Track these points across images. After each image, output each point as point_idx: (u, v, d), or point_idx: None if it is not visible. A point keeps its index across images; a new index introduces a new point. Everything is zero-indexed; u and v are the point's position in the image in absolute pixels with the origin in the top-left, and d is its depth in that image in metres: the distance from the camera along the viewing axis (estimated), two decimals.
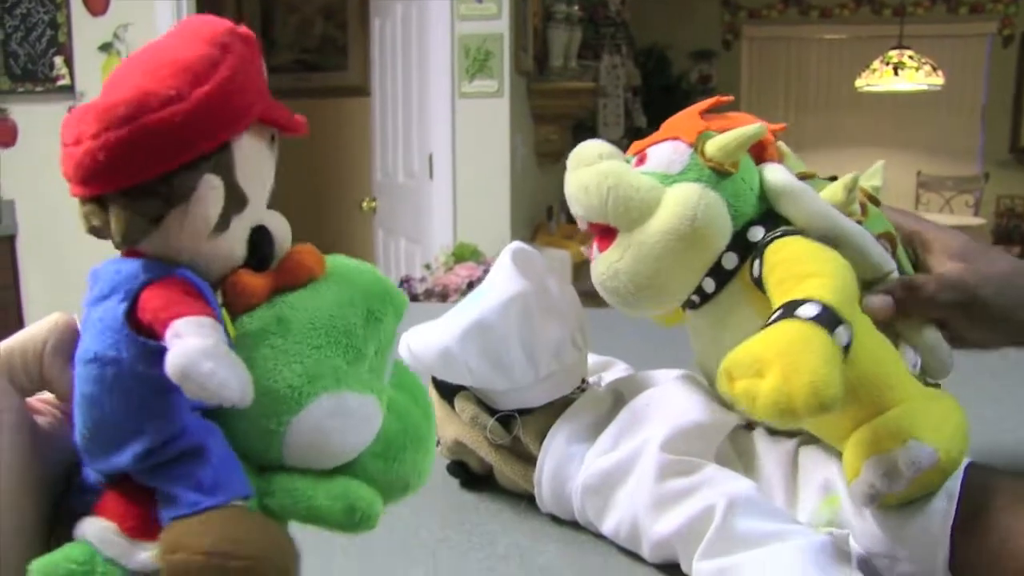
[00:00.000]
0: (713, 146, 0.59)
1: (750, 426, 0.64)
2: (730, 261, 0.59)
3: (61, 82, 3.39)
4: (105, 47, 3.33)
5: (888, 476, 0.50)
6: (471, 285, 2.78)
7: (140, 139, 0.33)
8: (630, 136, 5.57)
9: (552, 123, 3.99)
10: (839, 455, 0.57)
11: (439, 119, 3.38)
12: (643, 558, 0.60)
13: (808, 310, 0.48)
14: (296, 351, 0.36)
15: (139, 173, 0.34)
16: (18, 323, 3.52)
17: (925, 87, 5.51)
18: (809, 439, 0.62)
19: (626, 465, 0.60)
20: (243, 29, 0.38)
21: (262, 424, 0.35)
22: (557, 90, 3.85)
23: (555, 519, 0.65)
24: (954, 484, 0.53)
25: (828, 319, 0.47)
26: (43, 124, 3.41)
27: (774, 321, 0.49)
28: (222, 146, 0.36)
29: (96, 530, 0.34)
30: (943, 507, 0.53)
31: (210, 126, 0.35)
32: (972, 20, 6.67)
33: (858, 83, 5.69)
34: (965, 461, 0.54)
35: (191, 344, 0.31)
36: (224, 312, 0.37)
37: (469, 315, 0.62)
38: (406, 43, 3.56)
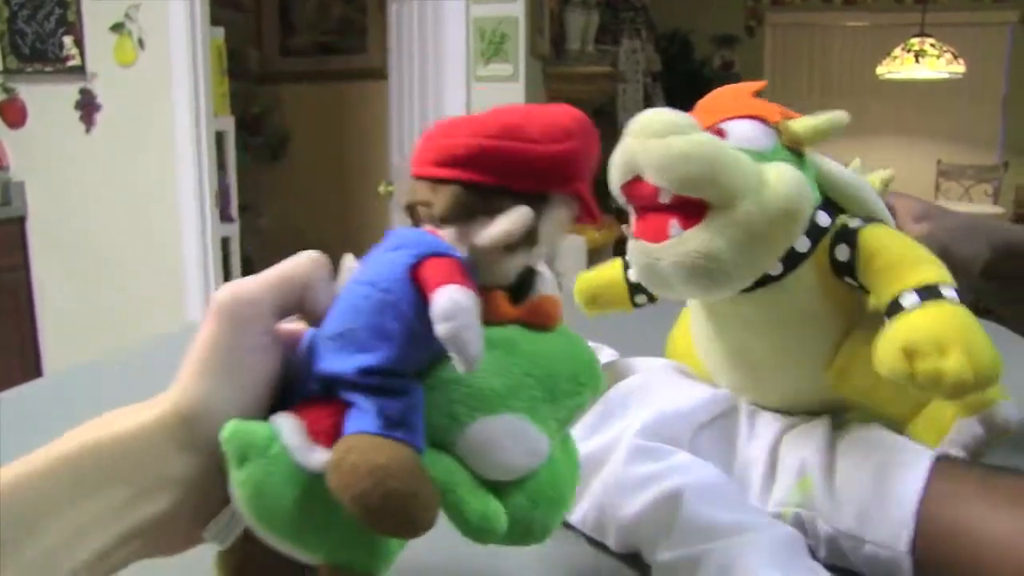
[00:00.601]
0: (804, 127, 0.58)
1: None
2: (803, 245, 0.58)
3: (71, 62, 3.39)
4: (116, 27, 3.34)
5: (990, 429, 0.60)
6: None
7: (501, 154, 0.42)
8: None
9: None
10: (819, 438, 0.59)
11: (454, 103, 3.39)
12: (609, 549, 0.60)
13: (950, 293, 0.53)
14: (511, 371, 0.42)
15: (483, 175, 0.42)
16: (29, 305, 3.54)
17: (946, 75, 5.47)
18: (792, 425, 0.62)
19: (600, 455, 0.61)
20: (587, 120, 0.45)
21: (455, 409, 0.41)
22: (574, 74, 3.84)
23: None
24: (921, 468, 0.55)
25: (963, 300, 0.53)
26: (53, 105, 3.42)
27: (921, 303, 0.52)
28: (543, 194, 0.43)
29: (287, 423, 0.40)
30: (910, 490, 0.54)
31: (552, 176, 0.43)
32: (994, 9, 6.60)
33: (879, 70, 5.65)
34: (934, 452, 0.57)
35: (465, 302, 0.37)
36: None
37: None
38: (422, 26, 3.55)
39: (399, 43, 3.78)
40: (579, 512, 0.61)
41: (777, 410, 0.65)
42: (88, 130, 3.43)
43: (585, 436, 0.63)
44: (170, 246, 3.45)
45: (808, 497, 0.57)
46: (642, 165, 0.55)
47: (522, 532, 0.43)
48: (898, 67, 5.46)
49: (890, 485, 0.55)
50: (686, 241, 0.55)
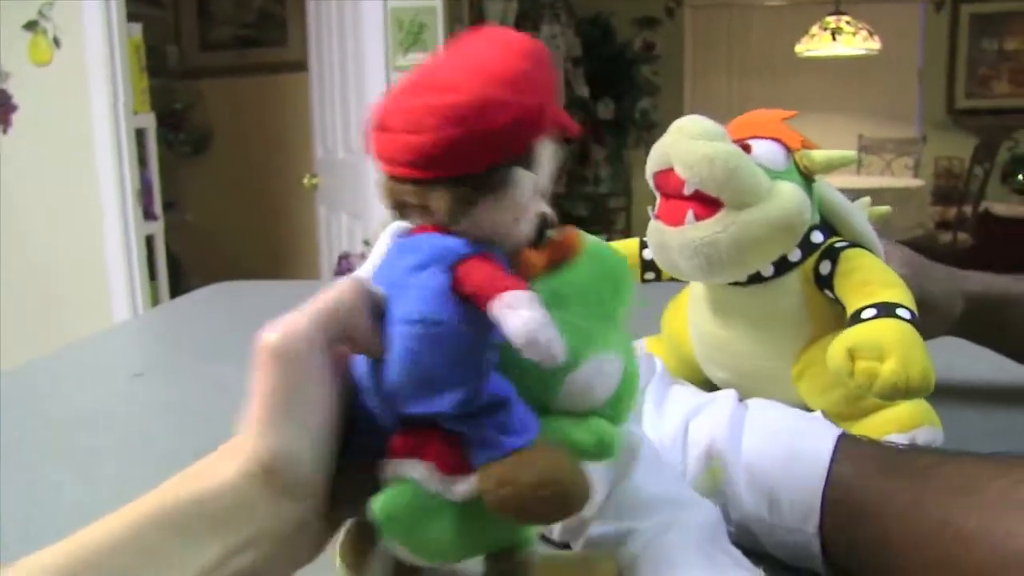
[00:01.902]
0: (818, 157, 0.68)
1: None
2: (795, 255, 0.68)
3: None
4: (30, 25, 3.27)
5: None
6: None
7: (475, 139, 0.39)
8: (573, 107, 5.59)
9: None
10: (725, 420, 0.60)
11: (375, 93, 3.37)
12: None
13: (905, 313, 0.60)
14: (571, 322, 0.43)
15: (467, 167, 0.40)
16: None
17: (863, 52, 5.59)
18: (698, 405, 0.63)
19: None
20: (540, 44, 0.44)
21: (546, 378, 0.42)
22: None
23: None
24: (825, 451, 0.56)
25: (916, 323, 0.60)
26: None
27: (876, 316, 0.61)
28: (532, 146, 0.42)
29: (419, 471, 0.40)
30: (817, 473, 0.55)
31: (528, 131, 0.41)
32: None
33: (798, 48, 5.75)
34: (837, 431, 0.58)
35: (530, 316, 0.37)
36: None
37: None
38: (341, 17, 3.53)
39: (318, 34, 3.76)
40: None
41: (742, 392, 0.69)
42: (5, 131, 3.35)
43: None
44: (93, 246, 3.38)
45: (718, 484, 0.58)
46: (673, 160, 0.65)
47: (619, 422, 0.47)
48: (816, 45, 5.56)
49: (796, 467, 0.55)
50: (696, 229, 0.65)
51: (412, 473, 0.40)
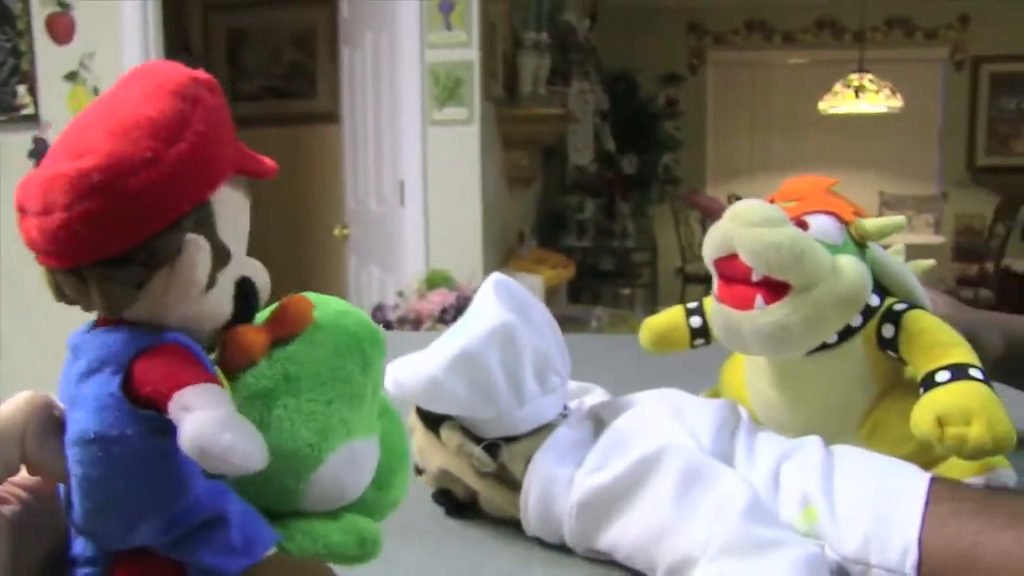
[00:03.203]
0: (873, 227, 0.70)
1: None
2: (856, 321, 0.69)
3: (25, 111, 3.36)
4: (71, 76, 3.32)
5: None
6: (444, 312, 2.79)
7: (119, 208, 0.32)
8: (600, 160, 5.63)
9: (522, 148, 4.02)
10: (817, 465, 0.62)
11: (410, 146, 3.40)
12: (624, 574, 0.61)
13: (978, 374, 0.62)
14: (309, 409, 0.37)
15: (119, 243, 0.33)
16: None
17: (885, 109, 5.63)
18: (787, 452, 0.64)
19: (628, 480, 0.62)
20: (204, 75, 0.37)
21: (282, 482, 0.36)
22: (527, 116, 3.88)
23: (540, 542, 0.67)
24: (918, 492, 0.57)
25: (989, 383, 0.62)
26: (6, 153, 3.37)
27: (952, 379, 0.62)
28: (202, 203, 0.35)
29: None
30: (911, 513, 0.56)
31: (190, 185, 0.34)
32: (927, 45, 6.83)
33: (821, 105, 5.80)
34: (928, 474, 0.59)
35: (203, 417, 0.30)
36: (219, 372, 0.36)
37: (454, 346, 0.64)
38: (376, 71, 3.58)
39: (351, 87, 3.80)
40: (610, 538, 0.61)
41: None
42: None
43: (599, 466, 0.64)
44: None
45: (814, 526, 0.59)
46: (737, 247, 0.66)
47: (391, 508, 0.42)
48: (839, 102, 5.61)
49: (891, 509, 0.57)
50: (768, 314, 0.66)
51: None
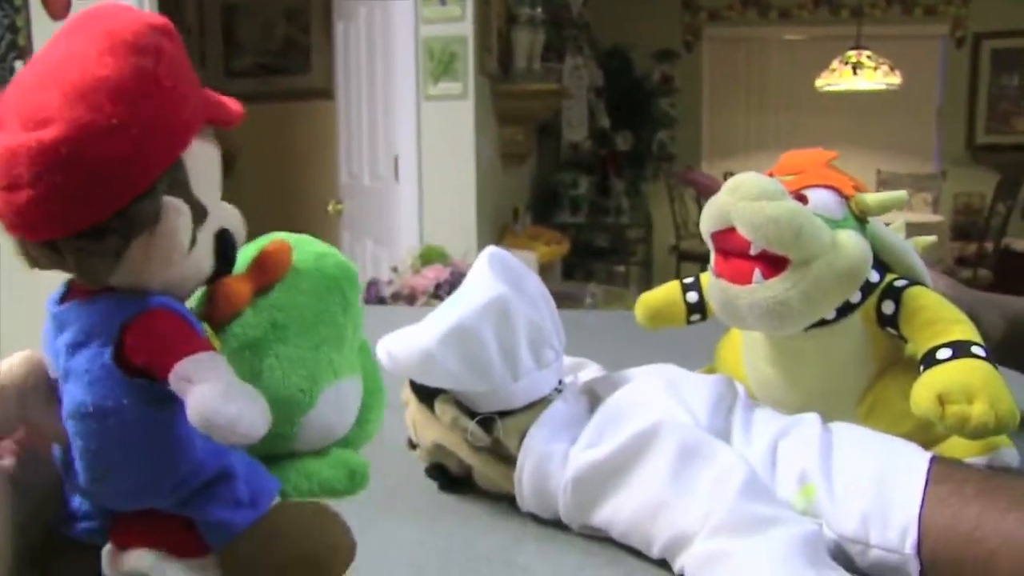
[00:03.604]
0: (874, 201, 0.69)
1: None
2: (855, 297, 0.68)
3: None
4: None
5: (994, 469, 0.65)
6: (438, 287, 2.79)
7: (87, 180, 0.30)
8: (594, 137, 5.61)
9: (517, 124, 4.01)
10: (815, 443, 0.61)
11: (404, 121, 3.39)
12: (618, 551, 0.61)
13: (980, 351, 0.62)
14: (298, 356, 0.38)
15: (92, 214, 0.31)
16: None
17: (883, 86, 5.60)
18: (784, 429, 0.64)
19: (623, 456, 0.61)
20: (160, 20, 0.34)
21: (277, 428, 0.35)
22: (521, 92, 3.87)
23: (535, 518, 0.66)
24: (919, 472, 0.56)
25: (991, 360, 0.61)
26: None
27: (953, 357, 0.61)
28: (174, 162, 0.33)
29: (148, 561, 0.34)
30: (911, 493, 0.55)
31: (161, 147, 0.32)
32: (926, 22, 6.79)
33: (818, 83, 5.77)
34: (928, 454, 0.59)
35: (207, 391, 0.30)
36: (206, 327, 0.36)
37: (448, 319, 0.63)
38: (370, 46, 3.55)
39: (346, 62, 3.78)
40: (605, 514, 0.61)
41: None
42: None
43: (592, 443, 0.63)
44: None
45: (811, 504, 0.58)
46: (736, 221, 0.65)
47: (367, 440, 0.43)
48: (837, 79, 5.58)
49: (891, 488, 0.56)
50: (766, 288, 0.65)
51: (141, 565, 0.34)
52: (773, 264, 0.65)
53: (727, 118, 7.28)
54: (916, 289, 0.68)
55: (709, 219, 0.68)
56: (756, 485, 0.57)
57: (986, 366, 0.60)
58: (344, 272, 0.42)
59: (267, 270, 0.39)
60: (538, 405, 0.67)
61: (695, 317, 0.82)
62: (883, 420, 0.69)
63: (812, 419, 0.65)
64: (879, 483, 0.57)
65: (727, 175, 6.18)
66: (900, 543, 0.54)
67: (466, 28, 3.32)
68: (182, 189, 0.34)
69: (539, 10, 3.98)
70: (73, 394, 0.33)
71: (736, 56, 7.21)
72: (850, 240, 0.65)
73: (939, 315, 0.66)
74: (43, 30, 3.30)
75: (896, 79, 5.52)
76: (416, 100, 3.37)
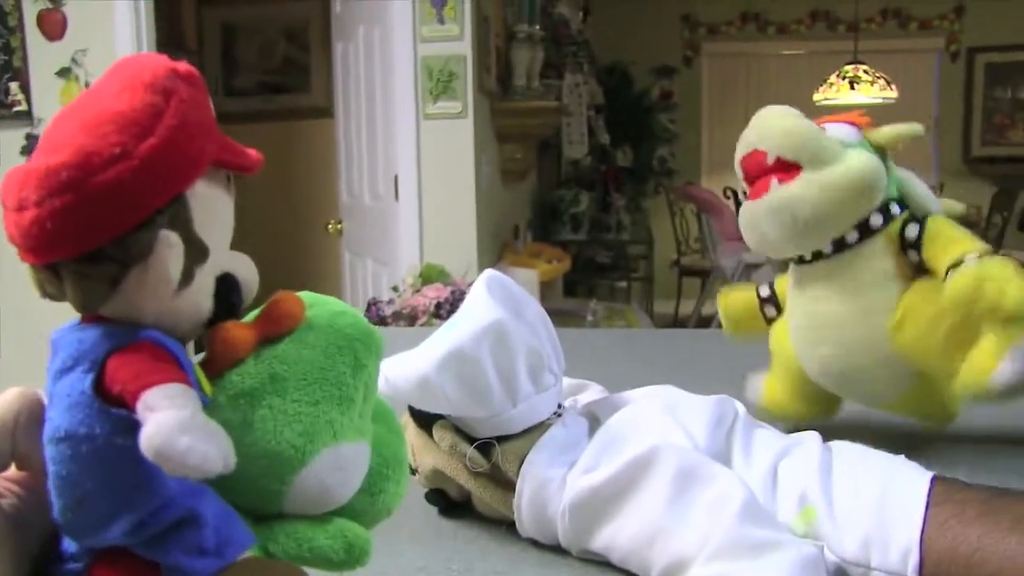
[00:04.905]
0: (888, 130, 0.75)
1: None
2: (876, 221, 0.73)
3: (17, 108, 3.34)
4: (63, 72, 3.30)
5: None
6: (439, 306, 2.79)
7: (87, 204, 0.31)
8: (594, 154, 5.62)
9: (516, 142, 4.02)
10: (815, 465, 0.60)
11: (404, 140, 3.39)
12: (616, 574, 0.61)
13: (1002, 258, 0.67)
14: (294, 410, 0.36)
15: (90, 240, 0.32)
16: None
17: (880, 100, 5.61)
18: (785, 449, 0.63)
19: (620, 481, 0.61)
20: (184, 67, 0.36)
21: (264, 484, 0.36)
22: (521, 109, 3.88)
23: (534, 543, 0.66)
24: (920, 493, 0.56)
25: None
26: None
27: (981, 258, 0.67)
28: (176, 198, 0.34)
29: None
30: (914, 515, 0.55)
31: (161, 181, 0.33)
32: (921, 36, 6.83)
33: (816, 97, 5.79)
34: (930, 474, 0.58)
35: (162, 419, 0.29)
36: (199, 370, 0.36)
37: (446, 344, 0.63)
38: (369, 65, 3.57)
39: (345, 81, 3.79)
40: (604, 539, 0.61)
41: (843, 371, 0.78)
42: None
43: (590, 468, 0.63)
44: None
45: (812, 527, 0.58)
46: (754, 138, 0.73)
47: (383, 516, 0.41)
48: (834, 93, 5.60)
49: (892, 510, 0.55)
50: (780, 190, 0.71)
51: None
52: (788, 171, 0.71)
53: (727, 133, 7.29)
54: (941, 217, 0.73)
55: (739, 148, 0.75)
56: (755, 508, 0.57)
57: (1014, 262, 0.66)
58: (361, 333, 0.40)
59: (273, 320, 0.38)
60: (537, 430, 0.67)
61: (770, 311, 0.86)
62: (914, 328, 0.72)
63: (813, 439, 0.64)
64: (880, 505, 0.56)
65: (727, 190, 6.23)
66: (902, 566, 0.54)
67: (465, 47, 3.33)
68: (182, 225, 0.34)
69: (538, 28, 4.00)
70: (52, 419, 0.33)
71: (735, 71, 7.24)
72: (861, 155, 0.71)
73: (960, 236, 0.71)
74: (38, 51, 3.32)
75: (893, 93, 5.54)
76: (415, 119, 3.38)
